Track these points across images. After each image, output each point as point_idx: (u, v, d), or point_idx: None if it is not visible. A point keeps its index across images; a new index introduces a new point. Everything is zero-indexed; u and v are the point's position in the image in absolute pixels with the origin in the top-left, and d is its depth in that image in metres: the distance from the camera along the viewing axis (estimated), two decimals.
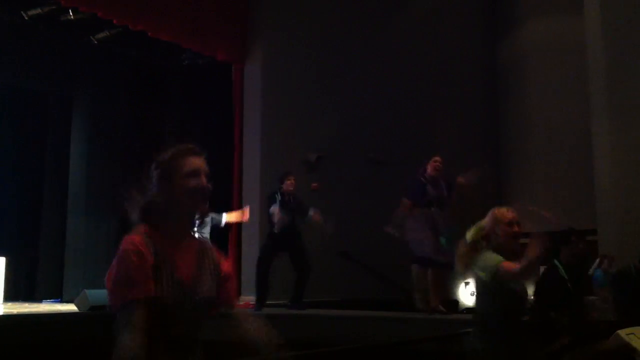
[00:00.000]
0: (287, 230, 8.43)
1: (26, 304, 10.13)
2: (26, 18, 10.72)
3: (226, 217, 9.42)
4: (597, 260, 9.37)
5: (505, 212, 3.77)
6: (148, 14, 10.39)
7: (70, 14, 10.80)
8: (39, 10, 10.70)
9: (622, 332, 4.09)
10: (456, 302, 12.31)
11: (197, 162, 2.43)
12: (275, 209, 8.35)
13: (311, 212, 8.57)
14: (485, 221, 3.83)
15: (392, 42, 13.32)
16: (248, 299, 8.66)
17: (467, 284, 12.84)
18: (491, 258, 3.61)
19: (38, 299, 11.16)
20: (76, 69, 11.91)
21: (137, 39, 11.44)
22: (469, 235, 3.83)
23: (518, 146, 13.56)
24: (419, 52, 13.45)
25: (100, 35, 11.54)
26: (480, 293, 3.74)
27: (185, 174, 2.36)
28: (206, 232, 9.73)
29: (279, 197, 8.46)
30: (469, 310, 11.97)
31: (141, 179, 2.41)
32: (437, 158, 7.79)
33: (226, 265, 2.48)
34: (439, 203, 7.54)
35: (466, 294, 12.81)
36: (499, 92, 13.97)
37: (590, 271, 9.45)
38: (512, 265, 3.48)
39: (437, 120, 13.20)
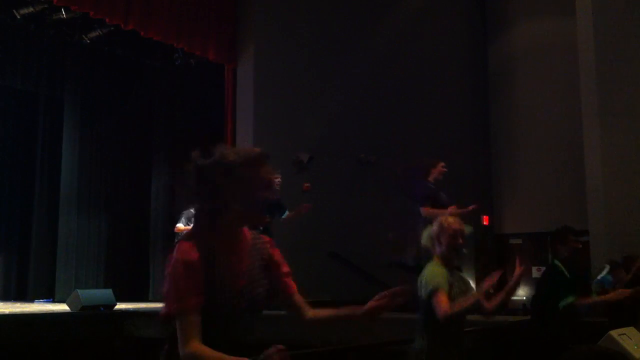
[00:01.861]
0: (267, 230, 8.22)
1: (18, 304, 10.10)
2: (18, 17, 10.68)
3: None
4: (608, 267, 9.16)
5: (452, 223, 3.81)
6: (137, 13, 10.37)
7: (63, 12, 10.76)
8: (30, 9, 10.66)
9: (614, 333, 4.11)
10: None
11: (270, 171, 2.30)
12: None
13: (287, 214, 8.38)
14: (433, 228, 3.88)
15: (382, 43, 13.34)
16: None
17: None
18: (432, 277, 3.69)
19: (30, 299, 11.13)
20: (67, 69, 11.88)
21: (128, 38, 11.42)
22: (423, 240, 3.93)
23: (509, 148, 13.59)
24: (409, 53, 13.47)
25: (92, 34, 11.50)
26: (421, 301, 3.75)
27: (261, 186, 2.23)
28: None
29: None
30: None
31: (182, 179, 2.25)
32: (443, 164, 7.63)
33: (277, 254, 2.39)
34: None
35: None
36: (490, 94, 13.99)
37: (599, 276, 9.28)
38: (445, 303, 3.55)
39: (427, 122, 13.21)
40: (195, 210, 2.25)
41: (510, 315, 8.28)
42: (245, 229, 2.31)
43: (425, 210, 7.11)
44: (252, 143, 11.46)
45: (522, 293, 13.41)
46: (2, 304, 9.97)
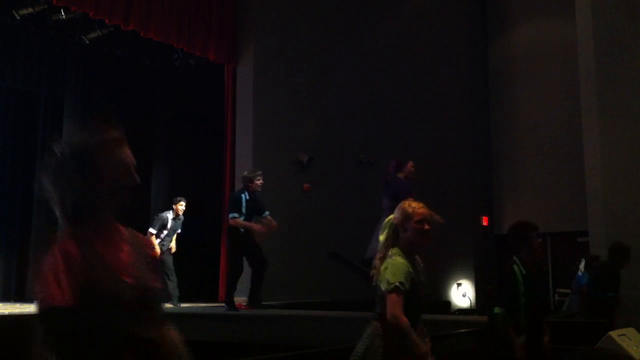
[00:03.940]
0: (246, 232, 8.29)
1: (18, 305, 10.09)
2: (17, 18, 10.67)
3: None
4: (583, 262, 9.39)
5: (417, 208, 3.60)
6: (138, 13, 10.37)
7: (62, 13, 10.75)
8: (30, 10, 10.65)
9: (614, 334, 4.10)
10: (448, 304, 12.37)
11: (129, 154, 2.11)
12: (237, 219, 8.27)
13: (267, 214, 8.42)
14: (395, 216, 3.65)
15: (382, 44, 13.36)
16: (240, 300, 8.65)
17: (459, 285, 12.87)
18: (393, 272, 3.48)
19: (30, 300, 11.11)
20: (67, 70, 11.86)
21: (128, 39, 11.42)
22: (382, 235, 3.67)
23: (509, 148, 13.60)
24: (410, 54, 13.48)
25: (92, 35, 11.49)
26: (380, 296, 3.57)
27: (120, 170, 2.06)
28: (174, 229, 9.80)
29: (246, 197, 8.34)
30: (460, 311, 12.04)
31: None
32: (412, 163, 7.99)
33: (153, 252, 2.24)
34: None
35: (458, 295, 12.84)
36: (490, 95, 14.01)
37: (579, 272, 9.50)
38: (397, 306, 3.39)
39: (427, 122, 13.23)
40: (72, 206, 2.03)
41: None
42: (120, 226, 2.13)
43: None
44: (251, 143, 11.48)
45: None
46: (1, 304, 9.96)
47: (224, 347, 6.30)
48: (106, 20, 10.33)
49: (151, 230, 9.70)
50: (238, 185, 11.34)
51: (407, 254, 3.56)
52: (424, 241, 3.61)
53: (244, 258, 8.44)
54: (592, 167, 9.79)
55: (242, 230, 8.22)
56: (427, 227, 3.57)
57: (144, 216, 12.50)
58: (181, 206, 9.88)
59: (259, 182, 8.37)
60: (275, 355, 4.54)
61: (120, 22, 10.29)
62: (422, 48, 13.54)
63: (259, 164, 11.00)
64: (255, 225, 8.30)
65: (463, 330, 6.00)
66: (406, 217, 3.59)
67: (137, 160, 2.17)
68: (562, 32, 12.47)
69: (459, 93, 13.53)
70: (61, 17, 10.85)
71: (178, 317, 7.66)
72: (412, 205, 3.62)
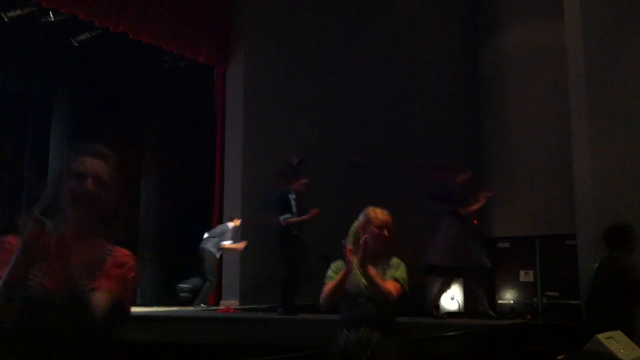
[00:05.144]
0: (298, 232, 8.32)
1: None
2: (6, 19, 10.63)
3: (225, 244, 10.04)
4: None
5: (379, 214, 3.72)
6: (129, 15, 10.35)
7: (51, 15, 10.71)
8: (19, 12, 10.60)
9: (602, 336, 4.11)
10: (437, 307, 12.36)
11: (89, 164, 2.29)
12: (289, 218, 8.16)
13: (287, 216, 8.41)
14: (359, 219, 3.80)
15: (373, 47, 13.37)
16: (230, 303, 8.64)
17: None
18: (330, 269, 3.77)
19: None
20: (56, 71, 11.81)
21: (118, 41, 11.38)
22: (350, 237, 3.77)
23: (499, 151, 13.63)
24: (401, 57, 13.50)
25: (81, 37, 11.45)
26: None
27: (73, 176, 2.29)
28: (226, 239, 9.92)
29: (292, 197, 8.31)
30: (449, 314, 12.06)
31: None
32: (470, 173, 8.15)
33: (113, 271, 2.33)
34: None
35: (446, 298, 12.86)
36: (481, 98, 14.05)
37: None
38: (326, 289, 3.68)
39: (418, 125, 13.24)
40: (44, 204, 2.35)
41: (502, 319, 8.30)
42: (98, 239, 2.34)
43: (468, 209, 7.54)
44: (241, 146, 11.47)
45: (509, 297, 13.43)
46: None
47: (222, 349, 6.29)
48: (95, 23, 10.29)
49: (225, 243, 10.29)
50: (228, 187, 11.35)
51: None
52: (381, 247, 3.67)
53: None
54: (581, 170, 9.82)
55: (295, 231, 8.16)
56: (386, 233, 3.66)
57: (133, 220, 12.48)
58: (238, 223, 10.55)
59: (302, 181, 8.59)
60: (275, 356, 4.53)
61: (109, 25, 10.26)
62: (414, 51, 13.57)
63: (249, 167, 11.01)
64: (306, 216, 8.32)
65: (452, 333, 6.02)
66: (368, 221, 3.72)
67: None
68: (553, 34, 12.52)
69: (451, 95, 13.56)
70: (50, 19, 10.81)
71: (175, 320, 7.66)
72: (376, 211, 3.75)
